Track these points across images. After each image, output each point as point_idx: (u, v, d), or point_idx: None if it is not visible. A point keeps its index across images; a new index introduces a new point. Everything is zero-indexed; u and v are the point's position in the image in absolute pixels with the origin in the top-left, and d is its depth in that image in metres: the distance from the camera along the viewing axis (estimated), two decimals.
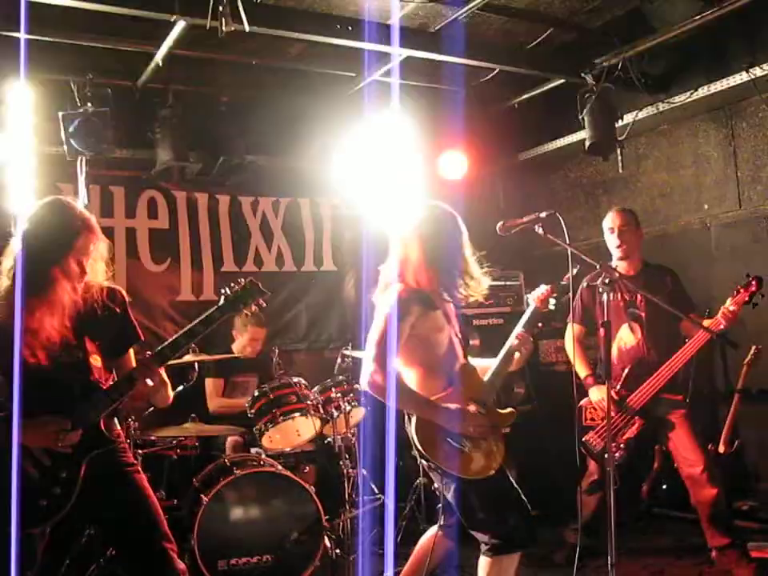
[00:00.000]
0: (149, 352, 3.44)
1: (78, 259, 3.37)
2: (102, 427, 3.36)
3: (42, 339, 3.26)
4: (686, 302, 5.01)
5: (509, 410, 3.99)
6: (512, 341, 4.03)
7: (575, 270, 4.05)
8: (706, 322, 4.78)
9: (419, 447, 3.68)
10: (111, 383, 3.43)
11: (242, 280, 3.54)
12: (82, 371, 3.36)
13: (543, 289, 4.14)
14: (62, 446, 3.22)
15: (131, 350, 3.62)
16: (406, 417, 3.80)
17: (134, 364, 3.57)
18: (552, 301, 4.12)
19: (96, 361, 3.42)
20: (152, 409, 5.33)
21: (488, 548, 3.74)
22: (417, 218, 3.93)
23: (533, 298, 4.17)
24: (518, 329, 4.06)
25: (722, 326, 4.67)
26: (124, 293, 3.62)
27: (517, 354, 4.04)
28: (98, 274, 3.50)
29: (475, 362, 4.07)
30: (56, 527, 3.33)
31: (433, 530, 4.16)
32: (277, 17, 5.34)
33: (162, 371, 3.48)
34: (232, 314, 3.52)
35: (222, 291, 3.52)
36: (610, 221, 5.22)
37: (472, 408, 3.76)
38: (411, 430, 3.73)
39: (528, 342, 4.06)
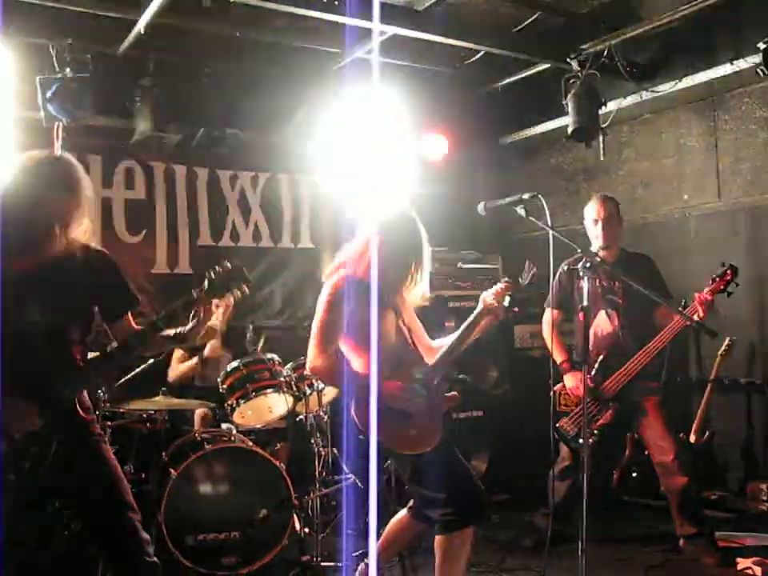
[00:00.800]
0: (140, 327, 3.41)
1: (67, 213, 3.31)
2: (76, 404, 3.31)
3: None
4: (663, 291, 5.01)
5: (452, 393, 4.03)
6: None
7: (532, 272, 4.04)
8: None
9: (360, 427, 3.75)
10: (94, 358, 3.37)
11: (228, 263, 3.47)
12: (60, 344, 3.30)
13: (499, 286, 4.12)
14: (29, 427, 3.15)
15: (129, 316, 3.52)
16: (347, 401, 3.85)
17: (133, 327, 3.50)
18: (507, 298, 4.11)
19: (75, 333, 3.37)
20: (122, 381, 5.28)
21: (440, 525, 3.84)
22: (382, 218, 3.98)
23: (486, 295, 4.11)
24: (464, 327, 4.07)
25: (698, 314, 4.67)
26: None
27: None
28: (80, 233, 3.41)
29: (440, 341, 4.17)
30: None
31: (402, 512, 4.19)
32: None
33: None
34: (215, 297, 3.48)
35: (207, 274, 3.45)
36: (594, 211, 5.19)
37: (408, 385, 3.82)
38: (352, 413, 3.78)
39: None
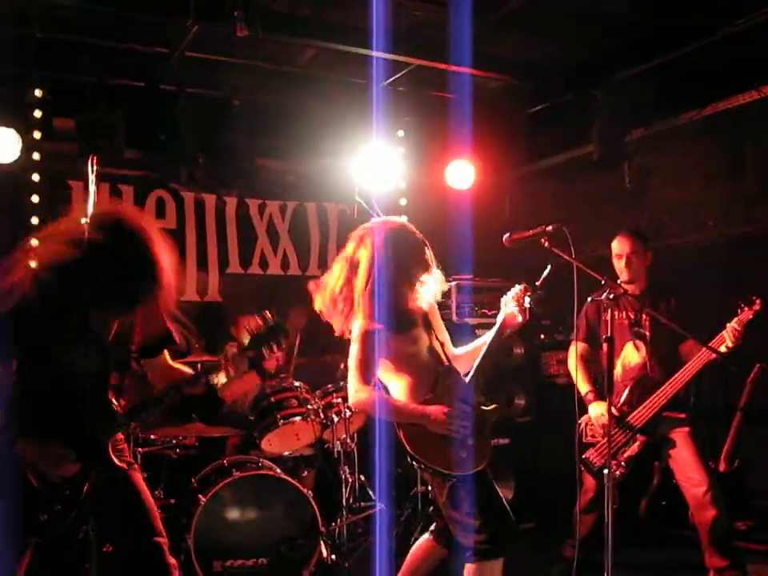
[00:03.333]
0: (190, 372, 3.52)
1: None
2: (108, 448, 3.37)
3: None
4: (689, 324, 4.95)
5: (493, 406, 4.02)
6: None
7: (546, 271, 4.05)
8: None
9: (409, 450, 3.73)
10: (133, 405, 3.45)
11: (268, 318, 3.53)
12: (101, 388, 3.38)
13: (517, 289, 4.13)
14: (62, 473, 3.22)
15: (166, 352, 3.62)
16: (395, 424, 3.83)
17: (170, 363, 3.62)
18: (527, 300, 4.13)
19: (113, 377, 3.45)
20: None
21: (471, 553, 3.78)
22: (366, 238, 3.99)
23: (505, 301, 4.15)
24: (492, 335, 4.09)
25: (726, 345, 4.64)
26: None
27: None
28: None
29: (462, 349, 4.20)
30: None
31: (425, 537, 4.20)
32: (289, 24, 5.39)
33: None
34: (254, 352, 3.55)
35: (247, 328, 3.52)
36: (618, 247, 5.15)
37: (454, 407, 3.79)
38: (399, 433, 3.77)
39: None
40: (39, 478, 3.21)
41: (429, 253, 3.99)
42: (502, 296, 4.14)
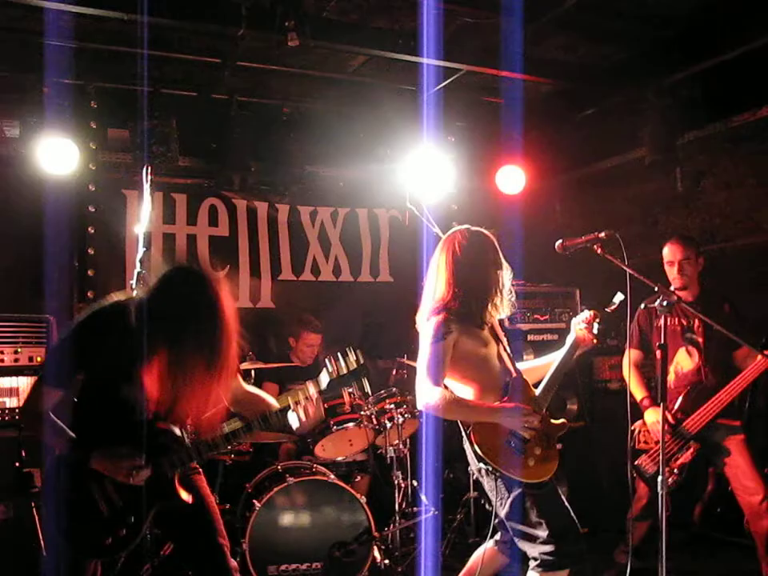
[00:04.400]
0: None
1: None
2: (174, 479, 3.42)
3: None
4: (743, 330, 4.90)
5: (561, 420, 4.00)
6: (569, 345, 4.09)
7: (618, 300, 4.03)
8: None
9: (479, 452, 3.71)
10: (202, 441, 3.50)
11: (352, 357, 3.56)
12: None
13: (587, 314, 4.13)
14: (133, 481, 3.29)
15: (239, 376, 3.69)
16: (462, 428, 3.84)
17: (242, 385, 3.70)
18: (596, 325, 4.12)
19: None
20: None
21: (537, 563, 3.76)
22: (447, 241, 4.02)
23: (576, 323, 4.15)
24: (564, 356, 4.09)
25: None
26: None
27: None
28: None
29: (526, 364, 4.20)
30: None
31: (487, 544, 4.19)
32: (339, 31, 5.43)
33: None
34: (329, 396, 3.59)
35: (327, 365, 3.55)
36: (670, 253, 5.13)
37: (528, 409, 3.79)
38: (470, 436, 3.76)
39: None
40: (107, 502, 3.28)
41: (505, 264, 4.01)
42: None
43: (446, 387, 3.84)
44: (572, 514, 3.85)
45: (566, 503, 3.88)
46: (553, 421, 3.98)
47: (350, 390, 3.37)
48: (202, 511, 3.50)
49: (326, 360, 3.61)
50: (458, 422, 3.86)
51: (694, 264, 5.12)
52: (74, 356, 3.25)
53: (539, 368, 4.15)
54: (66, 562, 3.24)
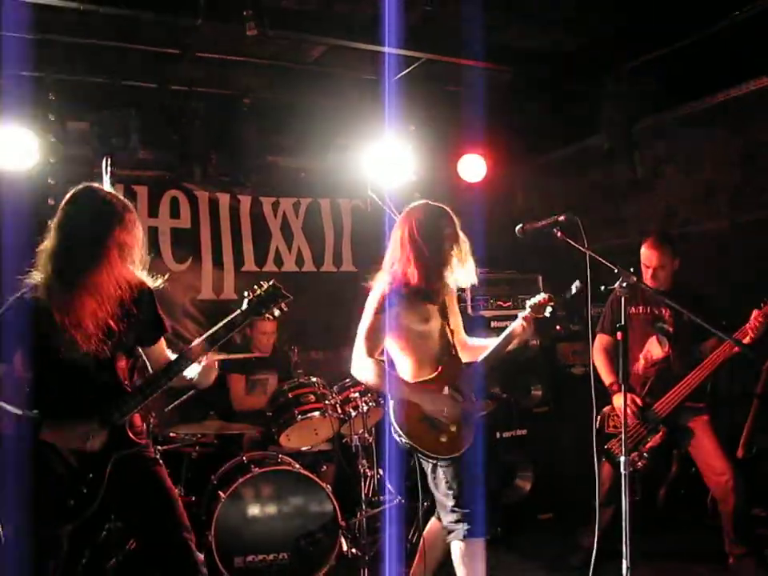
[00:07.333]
0: (198, 340, 3.54)
1: (121, 242, 3.41)
2: (126, 427, 3.43)
3: (84, 331, 3.30)
4: (713, 320, 4.94)
5: (485, 401, 4.19)
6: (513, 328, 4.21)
7: (575, 288, 4.08)
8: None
9: (395, 426, 3.87)
10: (141, 381, 3.52)
11: (264, 283, 3.59)
12: (109, 371, 3.44)
13: (541, 296, 4.22)
14: (89, 447, 3.31)
15: (162, 340, 3.70)
16: (388, 402, 3.96)
17: (165, 352, 3.68)
18: (548, 308, 4.24)
19: (121, 360, 3.49)
20: (172, 406, 5.39)
21: (447, 531, 3.96)
22: (405, 216, 4.12)
23: (530, 304, 4.23)
24: (504, 336, 4.20)
25: (750, 338, 4.64)
26: (151, 285, 3.64)
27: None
28: (137, 262, 3.54)
29: (477, 341, 4.37)
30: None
31: (433, 518, 4.32)
32: (298, 21, 5.40)
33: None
34: (255, 318, 3.58)
35: (246, 294, 3.56)
36: (646, 258, 5.12)
37: (446, 392, 3.95)
38: (389, 411, 3.91)
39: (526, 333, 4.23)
40: (64, 466, 3.28)
41: (462, 237, 4.09)
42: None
43: (384, 353, 4.02)
44: (494, 488, 4.00)
45: (492, 479, 4.16)
46: (476, 400, 4.10)
47: (271, 311, 3.39)
48: (165, 506, 3.47)
49: (244, 293, 3.63)
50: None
51: (669, 269, 5.12)
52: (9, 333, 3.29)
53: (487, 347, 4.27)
54: (28, 556, 3.21)
